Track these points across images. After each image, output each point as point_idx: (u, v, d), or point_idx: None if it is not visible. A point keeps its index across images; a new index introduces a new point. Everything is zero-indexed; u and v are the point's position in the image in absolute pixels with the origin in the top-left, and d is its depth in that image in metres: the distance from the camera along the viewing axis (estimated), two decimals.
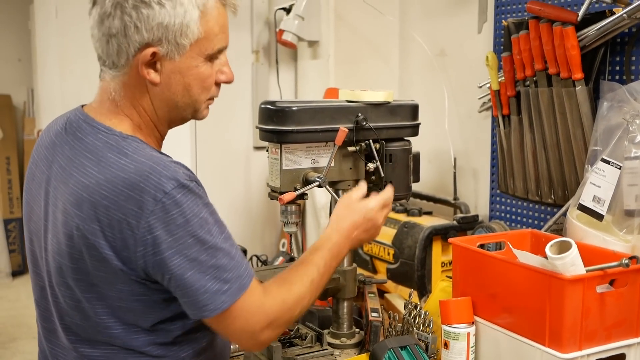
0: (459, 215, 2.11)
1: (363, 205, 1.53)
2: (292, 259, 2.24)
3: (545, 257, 1.37)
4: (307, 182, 1.62)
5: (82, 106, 1.36)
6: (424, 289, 2.05)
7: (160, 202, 1.16)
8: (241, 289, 1.24)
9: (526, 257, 1.45)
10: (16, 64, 6.23)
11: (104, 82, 1.30)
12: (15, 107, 6.19)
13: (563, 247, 1.36)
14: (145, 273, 1.22)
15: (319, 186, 1.59)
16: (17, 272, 5.90)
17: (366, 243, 1.48)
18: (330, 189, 1.63)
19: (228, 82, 1.36)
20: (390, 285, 2.17)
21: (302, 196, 1.61)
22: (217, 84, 1.35)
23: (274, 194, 1.64)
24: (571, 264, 1.34)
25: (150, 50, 1.22)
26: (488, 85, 2.08)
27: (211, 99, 1.36)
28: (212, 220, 1.23)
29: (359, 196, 1.55)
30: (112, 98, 1.29)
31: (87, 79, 4.09)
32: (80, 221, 1.21)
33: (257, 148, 2.70)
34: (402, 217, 2.19)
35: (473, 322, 1.54)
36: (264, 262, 2.25)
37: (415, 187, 2.03)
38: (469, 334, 1.52)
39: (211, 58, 1.30)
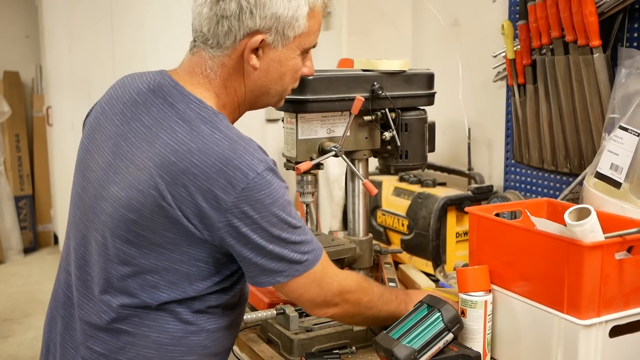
0: (474, 185, 2.10)
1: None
2: None
3: (564, 224, 1.37)
4: (323, 151, 1.62)
5: (167, 71, 1.38)
6: (438, 259, 2.05)
7: (253, 181, 1.21)
8: (315, 260, 1.33)
9: (544, 225, 1.44)
10: (24, 40, 6.22)
11: (199, 58, 1.33)
12: (23, 84, 6.19)
13: (582, 214, 1.36)
14: (220, 243, 1.26)
15: (335, 155, 1.59)
16: (29, 249, 5.95)
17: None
18: (346, 159, 1.63)
19: (309, 75, 1.44)
20: (404, 256, 2.18)
21: (318, 166, 1.62)
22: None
23: (290, 164, 1.65)
24: (590, 231, 1.33)
25: (259, 37, 1.28)
26: (503, 54, 2.07)
27: (292, 89, 1.44)
28: (290, 201, 1.31)
29: None
30: (207, 75, 1.33)
31: (95, 54, 4.09)
32: (162, 182, 1.23)
33: (270, 120, 2.69)
34: (416, 188, 2.18)
35: (490, 290, 1.54)
36: None
37: (429, 157, 2.03)
38: (486, 301, 1.52)
39: (304, 52, 1.37)
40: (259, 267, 1.29)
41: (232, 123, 1.38)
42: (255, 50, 1.30)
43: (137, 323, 1.32)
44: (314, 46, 1.40)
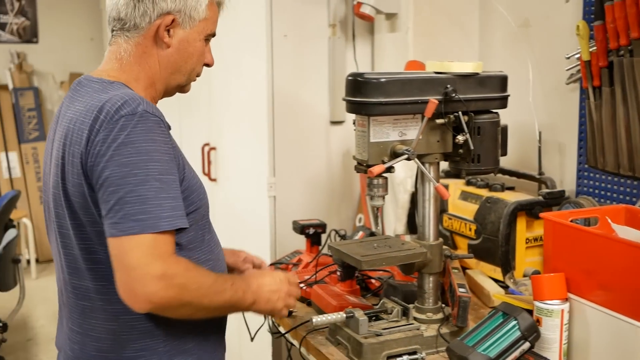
0: (545, 190, 2.05)
1: (278, 274, 1.58)
2: (372, 234, 2.23)
3: None
4: (395, 154, 1.60)
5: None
6: (508, 265, 2.01)
7: (113, 121, 1.32)
8: (154, 228, 1.29)
9: (627, 233, 1.40)
10: (89, 43, 6.38)
11: (115, 46, 1.50)
12: None
13: None
14: (94, 186, 1.34)
15: (408, 159, 1.57)
16: None
17: (260, 308, 1.51)
18: (418, 162, 1.60)
19: (210, 65, 1.59)
20: (471, 261, 2.14)
21: (390, 169, 1.60)
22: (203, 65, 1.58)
23: (361, 167, 1.63)
24: None
25: (171, 17, 1.46)
26: (577, 55, 2.01)
27: (197, 75, 1.58)
28: (156, 156, 1.33)
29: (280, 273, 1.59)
30: (120, 57, 1.49)
31: None
32: (67, 148, 1.39)
33: (334, 123, 2.69)
34: (485, 192, 2.14)
35: (567, 299, 1.50)
36: (343, 237, 2.24)
37: None
38: (562, 310, 1.48)
39: (206, 39, 1.54)
40: (104, 211, 1.31)
41: (152, 98, 1.51)
42: (167, 30, 1.47)
43: (93, 298, 1.42)
44: (213, 35, 1.56)
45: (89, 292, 1.43)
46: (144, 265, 1.27)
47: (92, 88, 1.44)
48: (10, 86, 5.94)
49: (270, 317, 1.96)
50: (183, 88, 1.57)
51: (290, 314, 1.86)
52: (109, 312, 1.42)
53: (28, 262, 5.60)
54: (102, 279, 1.40)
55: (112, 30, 1.50)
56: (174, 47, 1.49)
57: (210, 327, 1.52)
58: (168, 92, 1.56)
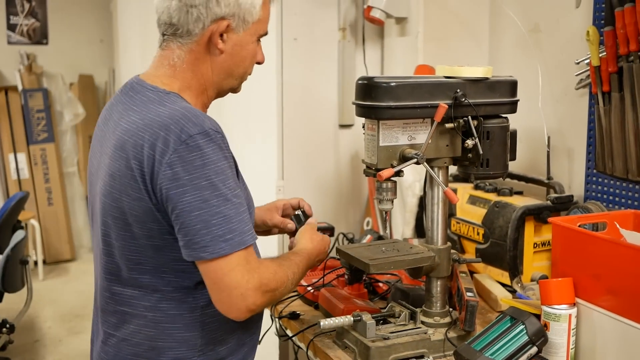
0: (553, 195, 2.05)
1: (323, 239, 1.67)
2: (380, 238, 2.24)
3: None
4: (404, 158, 1.60)
5: (139, 75, 1.51)
6: (515, 270, 2.01)
7: (184, 143, 1.30)
8: (242, 244, 1.32)
9: (635, 238, 1.40)
10: (98, 45, 6.41)
11: (167, 51, 1.46)
12: (97, 87, 6.38)
13: None
14: (165, 208, 1.33)
15: (417, 163, 1.58)
16: None
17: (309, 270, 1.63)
18: (427, 166, 1.61)
19: (261, 62, 1.56)
20: (479, 265, 2.14)
21: (399, 173, 1.60)
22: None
23: (370, 170, 1.64)
24: None
25: (225, 22, 1.42)
26: (586, 61, 2.01)
27: (248, 75, 1.55)
28: (229, 173, 1.34)
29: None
30: (173, 63, 1.45)
31: None
32: (123, 161, 1.36)
33: (343, 126, 2.69)
34: (493, 197, 2.15)
35: (574, 304, 1.50)
36: (351, 240, 2.25)
37: None
38: (570, 315, 1.48)
39: (259, 39, 1.50)
40: (186, 237, 1.31)
41: (203, 105, 1.51)
42: (220, 35, 1.43)
43: (134, 305, 1.43)
44: (265, 34, 1.52)
45: (132, 299, 1.43)
46: (245, 283, 1.32)
47: (147, 97, 1.41)
48: (20, 87, 5.98)
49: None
50: (235, 90, 1.56)
51: (297, 316, 1.87)
52: (149, 320, 1.43)
53: (35, 263, 5.62)
54: (145, 288, 1.41)
55: (163, 35, 1.46)
56: (228, 53, 1.45)
57: (245, 335, 1.53)
58: (220, 95, 1.55)
